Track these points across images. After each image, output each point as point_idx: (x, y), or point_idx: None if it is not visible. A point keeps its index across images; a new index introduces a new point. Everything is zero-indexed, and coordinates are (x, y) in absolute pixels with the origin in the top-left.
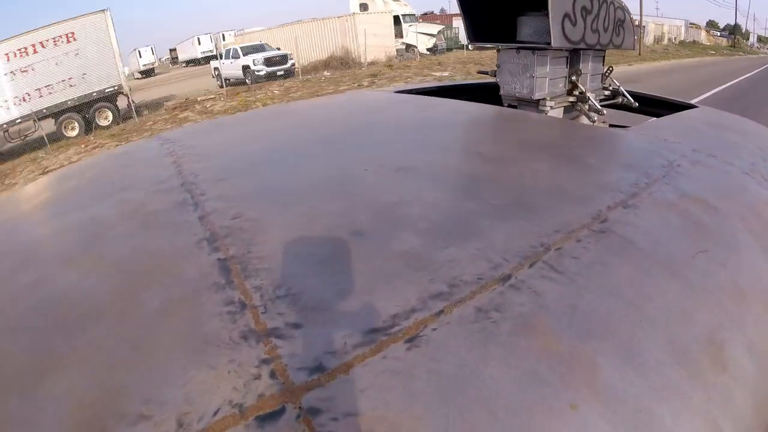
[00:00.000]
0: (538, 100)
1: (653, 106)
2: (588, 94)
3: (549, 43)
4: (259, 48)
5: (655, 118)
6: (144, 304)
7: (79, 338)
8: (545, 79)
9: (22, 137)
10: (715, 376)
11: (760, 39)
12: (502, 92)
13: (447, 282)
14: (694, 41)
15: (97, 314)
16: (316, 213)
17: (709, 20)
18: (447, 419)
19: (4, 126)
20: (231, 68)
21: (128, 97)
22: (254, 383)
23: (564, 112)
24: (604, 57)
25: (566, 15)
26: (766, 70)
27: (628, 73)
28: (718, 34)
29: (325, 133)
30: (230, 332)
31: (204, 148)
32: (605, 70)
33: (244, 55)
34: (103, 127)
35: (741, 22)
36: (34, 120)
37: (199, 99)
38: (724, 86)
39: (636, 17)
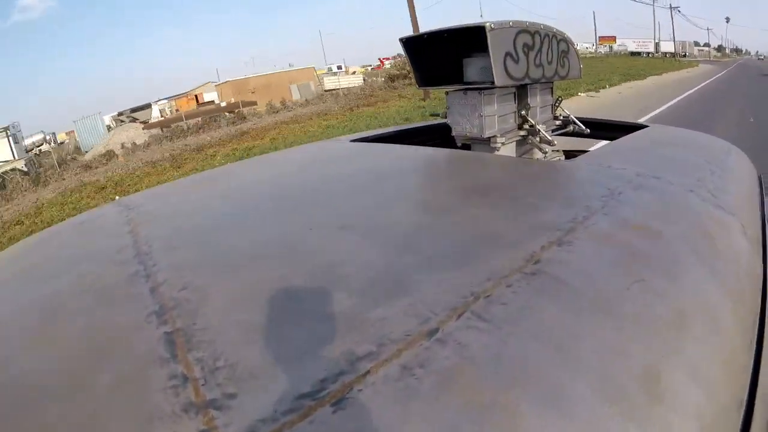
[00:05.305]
0: (489, 137)
1: (605, 129)
2: (538, 127)
3: (494, 82)
4: None
5: (605, 143)
6: (95, 381)
7: (29, 420)
8: (494, 116)
9: None
10: (650, 410)
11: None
12: (454, 133)
13: (375, 341)
14: None
15: (48, 395)
16: (257, 279)
17: None
18: None
19: None
20: None
21: None
22: None
23: (516, 146)
24: (552, 88)
25: (507, 54)
26: None
27: None
28: None
29: (278, 191)
30: (173, 406)
31: (160, 214)
32: (554, 100)
33: None
34: None
35: None
36: None
37: None
38: None
39: None
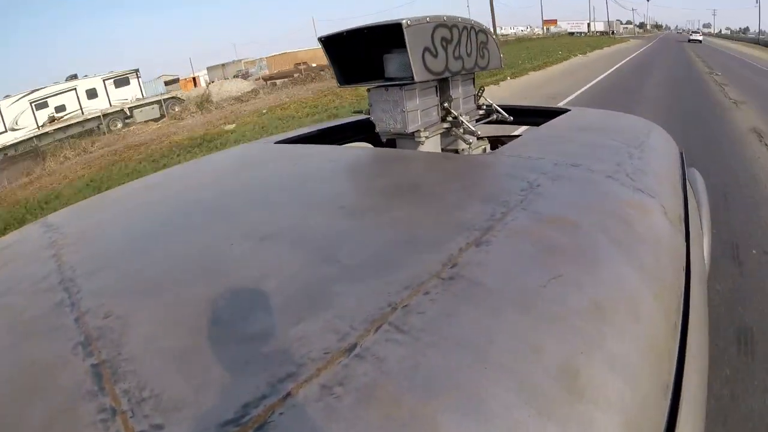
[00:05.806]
0: (413, 132)
1: (528, 115)
2: (461, 118)
3: (413, 78)
4: None
5: (527, 131)
6: (23, 419)
7: None
8: (417, 111)
9: None
10: (570, 406)
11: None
12: (378, 129)
13: (295, 362)
14: None
15: None
16: (179, 302)
17: None
18: None
19: None
20: None
21: None
22: None
23: (441, 138)
24: (473, 79)
25: (426, 49)
26: None
27: None
28: None
29: (201, 201)
30: None
31: (83, 234)
32: (477, 90)
33: None
34: None
35: None
36: None
37: None
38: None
39: None
